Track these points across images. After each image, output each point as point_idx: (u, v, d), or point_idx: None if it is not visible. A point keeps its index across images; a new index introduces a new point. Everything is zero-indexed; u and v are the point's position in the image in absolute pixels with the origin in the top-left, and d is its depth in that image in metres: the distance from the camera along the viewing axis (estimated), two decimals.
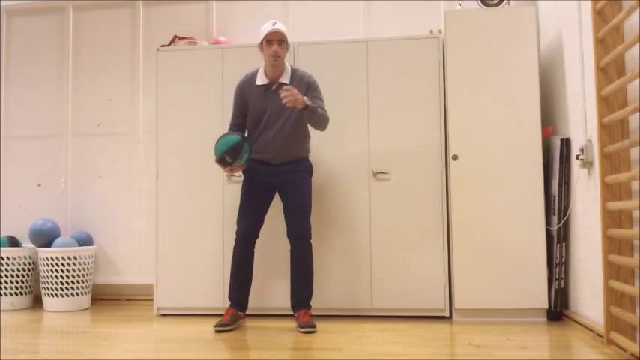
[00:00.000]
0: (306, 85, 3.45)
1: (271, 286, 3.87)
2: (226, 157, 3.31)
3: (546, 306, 3.57)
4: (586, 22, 3.18)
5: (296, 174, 3.46)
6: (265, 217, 3.57)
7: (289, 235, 3.45)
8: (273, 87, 3.43)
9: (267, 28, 3.38)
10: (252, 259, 3.54)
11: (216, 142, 3.38)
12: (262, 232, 3.73)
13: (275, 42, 3.36)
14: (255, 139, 3.51)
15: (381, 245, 3.80)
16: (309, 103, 3.31)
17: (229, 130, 3.57)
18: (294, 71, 3.51)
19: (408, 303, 3.76)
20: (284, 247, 3.70)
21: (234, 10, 4.69)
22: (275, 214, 3.74)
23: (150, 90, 4.75)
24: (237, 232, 3.50)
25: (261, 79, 3.47)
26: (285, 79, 3.45)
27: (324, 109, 3.45)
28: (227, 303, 3.68)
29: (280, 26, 3.38)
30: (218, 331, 3.39)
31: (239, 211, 3.52)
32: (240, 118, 3.56)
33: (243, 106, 3.53)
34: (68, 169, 4.81)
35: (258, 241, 3.59)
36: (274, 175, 3.49)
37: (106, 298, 4.67)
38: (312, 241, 3.52)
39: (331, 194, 3.86)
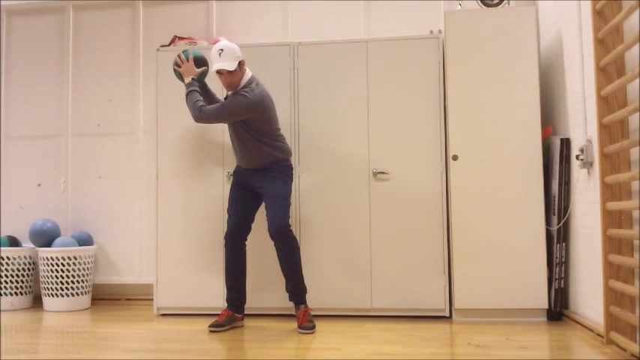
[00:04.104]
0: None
1: (269, 286, 3.87)
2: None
3: (546, 306, 3.58)
4: (586, 22, 3.18)
5: (268, 174, 3.49)
6: (253, 217, 3.59)
7: (268, 229, 3.43)
8: None
9: (213, 59, 3.41)
10: (244, 258, 3.57)
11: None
12: (259, 232, 3.73)
13: (223, 73, 3.40)
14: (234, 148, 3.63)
15: (381, 245, 3.80)
16: (186, 85, 3.44)
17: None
18: (247, 84, 3.44)
19: (408, 303, 3.76)
20: None
21: (234, 10, 4.69)
22: None
23: (150, 90, 4.75)
24: (225, 233, 3.57)
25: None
26: None
27: (209, 105, 3.47)
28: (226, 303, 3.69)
29: (222, 63, 3.36)
30: (212, 332, 3.40)
31: (227, 213, 3.59)
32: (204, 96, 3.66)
33: None
34: (68, 169, 4.81)
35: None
36: (252, 176, 3.55)
37: (106, 298, 4.67)
38: (295, 234, 3.48)
39: (331, 194, 3.86)
